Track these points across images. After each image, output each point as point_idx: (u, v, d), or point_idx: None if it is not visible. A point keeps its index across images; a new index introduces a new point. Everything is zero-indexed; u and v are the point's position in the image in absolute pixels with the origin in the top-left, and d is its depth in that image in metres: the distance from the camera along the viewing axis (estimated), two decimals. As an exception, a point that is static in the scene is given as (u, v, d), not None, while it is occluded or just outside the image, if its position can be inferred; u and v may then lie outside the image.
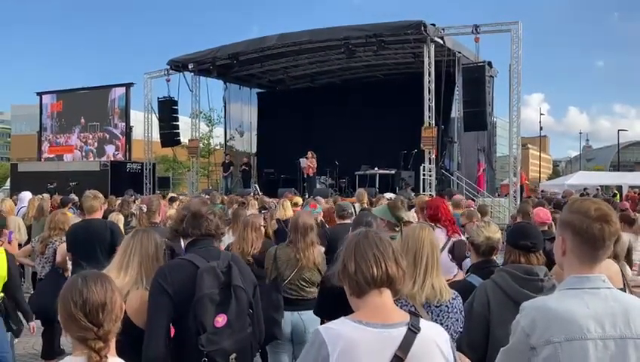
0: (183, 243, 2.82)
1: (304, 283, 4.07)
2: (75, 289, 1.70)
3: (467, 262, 4.07)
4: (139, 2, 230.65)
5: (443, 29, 16.23)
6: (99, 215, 5.09)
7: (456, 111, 17.13)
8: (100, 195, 5.20)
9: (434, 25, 16.02)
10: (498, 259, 3.30)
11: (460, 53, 16.78)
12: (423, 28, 15.63)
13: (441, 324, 2.55)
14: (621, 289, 3.01)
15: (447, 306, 2.59)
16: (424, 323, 1.80)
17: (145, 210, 4.81)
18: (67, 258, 5.11)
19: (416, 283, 2.58)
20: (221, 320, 2.45)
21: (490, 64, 16.64)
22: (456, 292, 2.68)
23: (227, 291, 2.49)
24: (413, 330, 1.74)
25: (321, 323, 3.87)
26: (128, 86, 23.96)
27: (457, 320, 2.61)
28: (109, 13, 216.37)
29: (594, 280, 1.80)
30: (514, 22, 15.98)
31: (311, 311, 3.83)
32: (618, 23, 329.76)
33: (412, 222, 3.96)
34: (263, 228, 5.19)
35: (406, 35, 16.57)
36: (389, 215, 4.64)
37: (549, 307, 1.78)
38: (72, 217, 6.26)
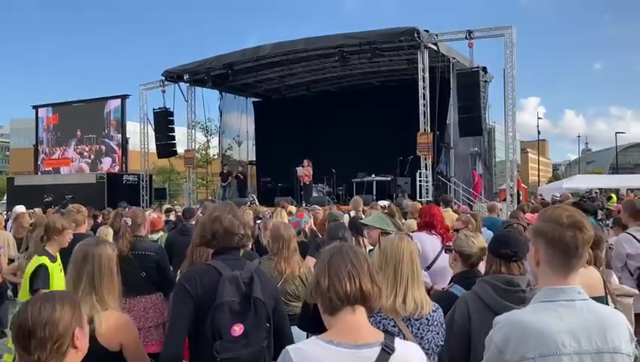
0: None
1: (289, 298, 3.97)
2: (16, 314, 1.62)
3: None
4: (133, 14, 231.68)
5: (436, 35, 16.21)
6: (83, 229, 5.03)
7: (452, 116, 17.08)
8: (84, 209, 5.15)
9: (427, 31, 16.00)
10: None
11: (454, 58, 16.77)
12: (416, 34, 15.61)
13: (422, 338, 2.48)
14: (602, 297, 2.94)
15: (427, 319, 2.51)
16: (399, 343, 1.74)
17: (130, 223, 4.74)
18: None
19: (397, 296, 2.51)
20: (238, 329, 2.44)
21: (484, 69, 16.62)
22: (437, 304, 2.60)
23: (247, 302, 2.48)
24: (386, 351, 1.68)
25: (307, 338, 3.79)
26: (124, 98, 24.02)
27: (438, 333, 2.54)
28: (103, 25, 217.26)
29: (569, 292, 1.74)
30: (507, 26, 15.96)
31: (296, 327, 3.75)
32: (609, 24, 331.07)
33: (390, 233, 3.87)
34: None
35: (399, 42, 16.55)
36: (384, 223, 4.57)
37: (523, 321, 1.72)
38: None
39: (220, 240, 2.62)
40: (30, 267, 4.11)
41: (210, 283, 2.48)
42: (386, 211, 5.56)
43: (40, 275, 4.02)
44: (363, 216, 7.92)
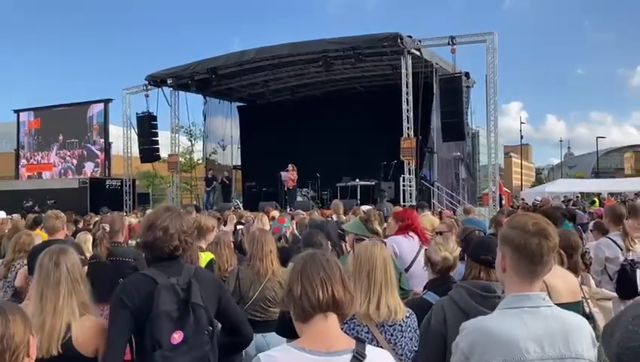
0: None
1: (268, 303, 3.97)
2: None
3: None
4: (117, 18, 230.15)
5: (419, 41, 16.35)
6: (61, 235, 4.97)
7: (435, 121, 17.21)
8: (62, 215, 5.09)
9: (410, 37, 16.12)
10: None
11: (437, 64, 16.91)
12: (399, 40, 15.73)
13: (395, 344, 2.50)
14: (579, 302, 2.97)
15: (400, 325, 2.53)
16: (370, 350, 1.75)
17: (107, 229, 4.70)
18: (29, 281, 4.96)
19: (371, 302, 2.51)
20: (177, 336, 2.41)
21: (467, 74, 16.79)
22: (411, 310, 2.62)
23: (185, 308, 2.45)
24: (358, 358, 1.69)
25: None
26: (107, 102, 23.85)
27: (412, 338, 2.55)
28: (86, 28, 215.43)
29: (534, 299, 1.77)
30: (489, 32, 16.14)
31: (274, 333, 3.75)
32: (589, 30, 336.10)
33: (365, 239, 3.89)
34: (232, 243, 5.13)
35: (383, 48, 16.65)
36: (362, 228, 4.60)
37: (488, 328, 1.74)
38: (37, 238, 6.11)
39: (153, 250, 2.58)
40: (203, 261, 4.43)
41: (147, 292, 2.44)
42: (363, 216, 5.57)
43: (214, 269, 4.41)
44: (344, 220, 7.95)
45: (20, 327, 1.63)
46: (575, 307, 2.75)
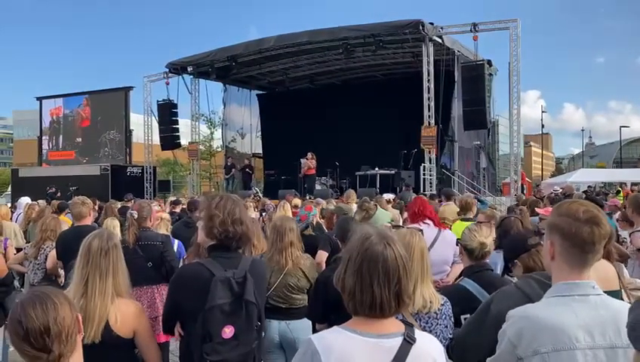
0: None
1: (292, 290, 3.96)
2: (14, 321, 1.60)
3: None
4: (137, 6, 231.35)
5: (441, 28, 16.14)
6: (88, 221, 5.02)
7: (456, 109, 17.03)
8: (89, 201, 5.14)
9: (432, 24, 15.92)
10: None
11: (459, 51, 16.69)
12: (421, 27, 15.55)
13: (430, 331, 2.47)
14: (617, 291, 2.92)
15: (435, 313, 2.51)
16: (419, 334, 1.73)
17: (136, 216, 4.73)
18: (58, 265, 5.04)
19: None
20: (229, 331, 2.44)
21: (489, 62, 16.55)
22: (445, 298, 2.59)
23: (239, 303, 2.47)
24: (408, 341, 1.67)
25: (313, 329, 3.79)
26: (128, 89, 23.95)
27: (447, 326, 2.53)
28: (107, 17, 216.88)
29: (583, 287, 1.73)
30: (512, 20, 15.90)
31: (298, 320, 3.75)
32: (606, 18, 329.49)
33: (402, 226, 3.85)
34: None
35: (404, 35, 16.49)
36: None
37: (537, 316, 1.71)
38: (64, 223, 6.19)
39: (238, 241, 2.58)
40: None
41: (201, 283, 2.46)
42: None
43: None
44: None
45: (67, 309, 1.67)
46: (611, 296, 2.68)
